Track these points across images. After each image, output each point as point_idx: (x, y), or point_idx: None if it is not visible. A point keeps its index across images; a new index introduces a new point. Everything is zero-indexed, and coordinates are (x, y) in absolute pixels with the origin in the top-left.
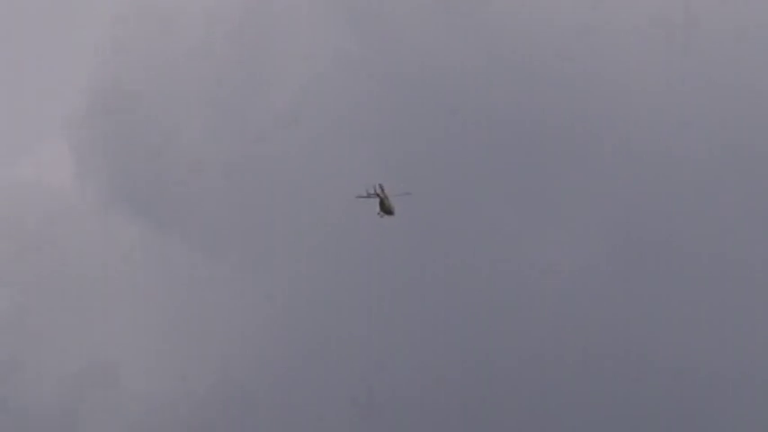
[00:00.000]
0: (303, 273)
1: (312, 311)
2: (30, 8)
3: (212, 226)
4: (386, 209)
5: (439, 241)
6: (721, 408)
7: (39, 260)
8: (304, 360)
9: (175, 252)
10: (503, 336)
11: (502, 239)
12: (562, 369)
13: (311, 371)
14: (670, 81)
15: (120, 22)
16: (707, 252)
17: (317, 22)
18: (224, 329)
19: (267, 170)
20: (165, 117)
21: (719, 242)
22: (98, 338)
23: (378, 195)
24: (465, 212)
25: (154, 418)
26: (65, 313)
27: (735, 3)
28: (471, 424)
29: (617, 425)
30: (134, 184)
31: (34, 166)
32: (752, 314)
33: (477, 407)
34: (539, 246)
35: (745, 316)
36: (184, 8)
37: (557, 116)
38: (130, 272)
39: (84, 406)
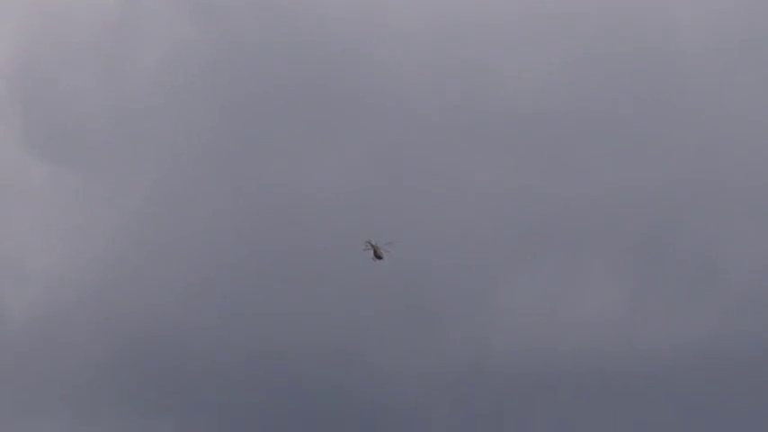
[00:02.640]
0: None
1: (162, 218)
2: None
3: (94, 160)
4: (377, 255)
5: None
6: None
7: None
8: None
9: (65, 179)
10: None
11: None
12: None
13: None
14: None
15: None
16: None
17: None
18: (97, 232)
19: (139, 122)
20: (64, 86)
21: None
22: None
23: (372, 247)
24: (261, 143)
25: (51, 293)
26: None
27: None
28: None
29: None
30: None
31: None
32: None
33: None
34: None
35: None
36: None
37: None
38: (36, 195)
39: None
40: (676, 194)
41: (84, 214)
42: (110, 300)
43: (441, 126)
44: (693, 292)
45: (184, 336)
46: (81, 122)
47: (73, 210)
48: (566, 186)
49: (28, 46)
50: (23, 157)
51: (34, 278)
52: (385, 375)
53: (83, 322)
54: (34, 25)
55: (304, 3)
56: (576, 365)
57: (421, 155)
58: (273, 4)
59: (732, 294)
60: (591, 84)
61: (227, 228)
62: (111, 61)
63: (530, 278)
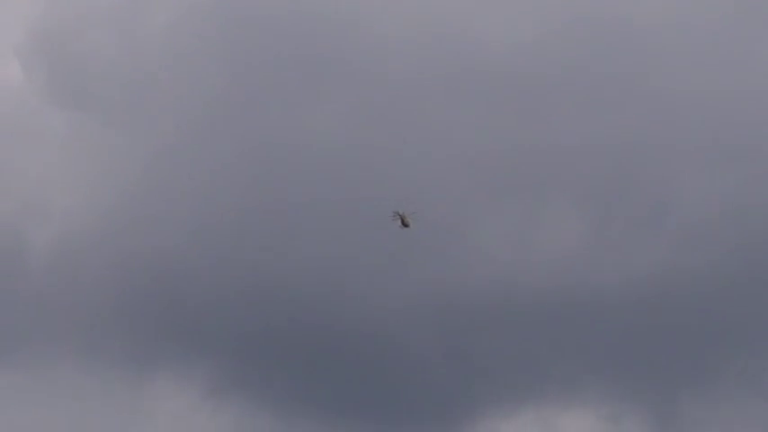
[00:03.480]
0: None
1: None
2: None
3: (112, 110)
4: (405, 224)
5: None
6: None
7: None
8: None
9: (85, 127)
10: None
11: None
12: None
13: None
14: None
15: None
16: None
17: None
18: (114, 176)
19: (153, 76)
20: (84, 43)
21: None
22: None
23: (400, 216)
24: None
25: (71, 230)
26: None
27: None
28: None
29: None
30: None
31: None
32: None
33: None
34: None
35: None
36: None
37: None
38: (58, 142)
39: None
40: (633, 144)
41: (102, 160)
42: (124, 237)
43: (422, 82)
44: (646, 231)
45: (189, 272)
46: (100, 76)
47: (92, 155)
48: (535, 136)
49: (52, 8)
50: (47, 107)
51: (56, 217)
52: (370, 307)
53: (99, 257)
54: None
55: None
56: (541, 294)
57: (404, 107)
58: None
59: (679, 233)
60: (559, 47)
61: (230, 173)
62: (127, 20)
63: (501, 216)
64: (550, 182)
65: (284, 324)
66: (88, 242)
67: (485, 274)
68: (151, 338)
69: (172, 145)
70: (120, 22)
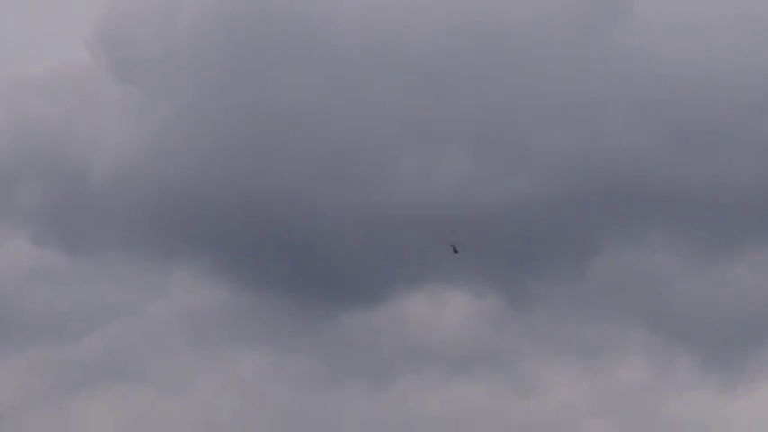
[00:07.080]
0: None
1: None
2: None
3: (152, 82)
4: (455, 251)
5: None
6: None
7: None
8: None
9: (134, 92)
10: None
11: None
12: None
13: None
14: None
15: None
16: None
17: None
18: (152, 124)
19: (181, 58)
20: (134, 34)
21: None
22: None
23: (452, 246)
24: None
25: (121, 161)
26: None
27: None
28: None
29: None
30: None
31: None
32: None
33: None
34: None
35: None
36: None
37: None
38: (115, 103)
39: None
40: (506, 108)
41: (143, 113)
42: (156, 166)
43: (365, 60)
44: (515, 168)
45: (200, 190)
46: (142, 58)
47: (136, 111)
48: (437, 102)
49: (110, 11)
50: (108, 79)
51: (111, 151)
52: (322, 215)
53: (139, 180)
54: None
55: None
56: (438, 209)
57: (353, 78)
58: None
59: (538, 169)
60: (455, 40)
61: (230, 122)
62: (161, 21)
63: (415, 155)
64: (449, 134)
65: (262, 227)
66: (132, 169)
67: (402, 194)
68: (172, 237)
69: (191, 103)
70: (157, 22)
